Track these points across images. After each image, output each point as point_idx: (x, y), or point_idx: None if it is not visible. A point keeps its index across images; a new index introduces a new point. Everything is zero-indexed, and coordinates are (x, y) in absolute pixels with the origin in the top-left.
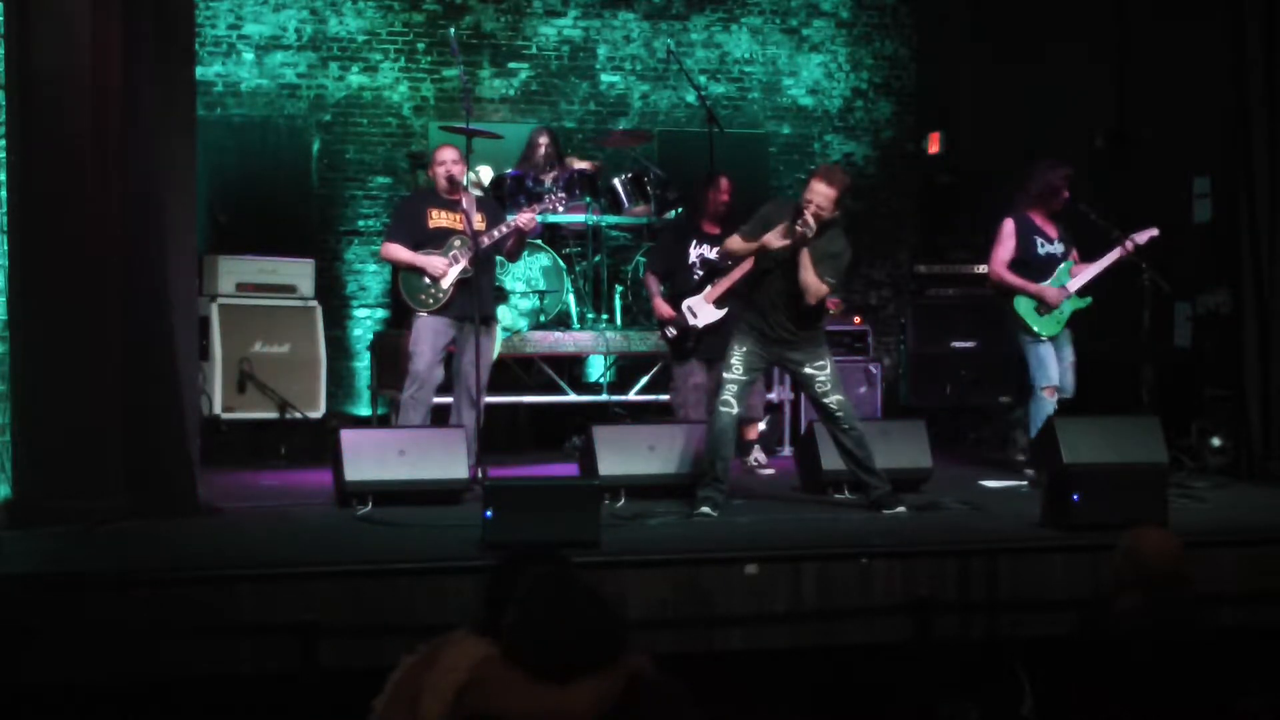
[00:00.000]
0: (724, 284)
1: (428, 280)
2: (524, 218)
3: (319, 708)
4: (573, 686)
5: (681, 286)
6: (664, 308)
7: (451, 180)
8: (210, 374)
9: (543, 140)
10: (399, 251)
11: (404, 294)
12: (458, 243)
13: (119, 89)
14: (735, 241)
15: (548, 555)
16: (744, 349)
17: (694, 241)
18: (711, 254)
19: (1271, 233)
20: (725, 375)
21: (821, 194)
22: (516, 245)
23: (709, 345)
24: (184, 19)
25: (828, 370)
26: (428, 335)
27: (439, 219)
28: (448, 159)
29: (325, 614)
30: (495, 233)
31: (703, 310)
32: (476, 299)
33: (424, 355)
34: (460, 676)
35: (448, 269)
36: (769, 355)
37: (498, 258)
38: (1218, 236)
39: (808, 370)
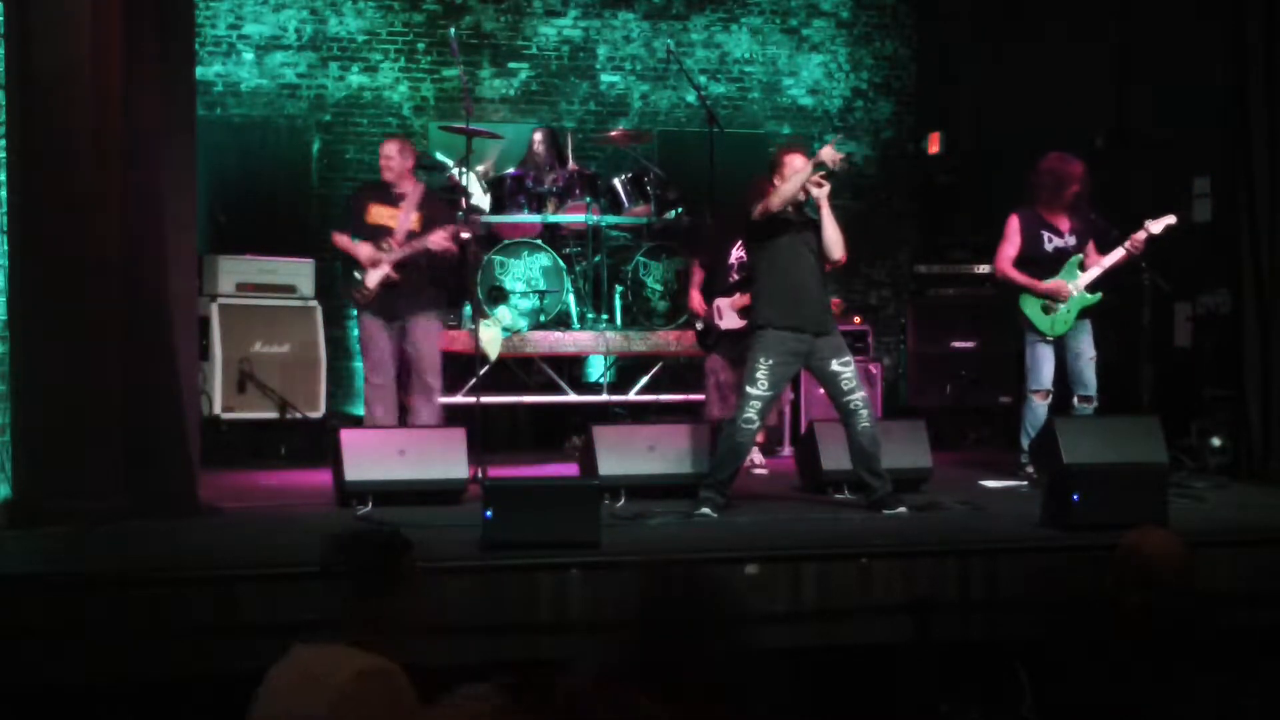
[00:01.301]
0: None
1: (358, 275)
2: (436, 238)
3: None
4: None
5: (716, 284)
6: (698, 300)
7: (393, 175)
8: (210, 374)
9: (539, 142)
10: (340, 240)
11: (342, 285)
12: (385, 246)
13: (119, 89)
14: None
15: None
16: (770, 361)
17: (740, 243)
18: None
19: (1271, 233)
20: (750, 390)
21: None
22: (444, 258)
23: (729, 345)
24: (184, 19)
25: (852, 365)
26: (367, 335)
27: (377, 215)
28: (382, 153)
29: (325, 614)
30: (408, 248)
31: (728, 315)
32: (402, 302)
33: (369, 356)
34: None
35: (373, 258)
36: (799, 357)
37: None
38: (1218, 236)
39: (834, 366)
